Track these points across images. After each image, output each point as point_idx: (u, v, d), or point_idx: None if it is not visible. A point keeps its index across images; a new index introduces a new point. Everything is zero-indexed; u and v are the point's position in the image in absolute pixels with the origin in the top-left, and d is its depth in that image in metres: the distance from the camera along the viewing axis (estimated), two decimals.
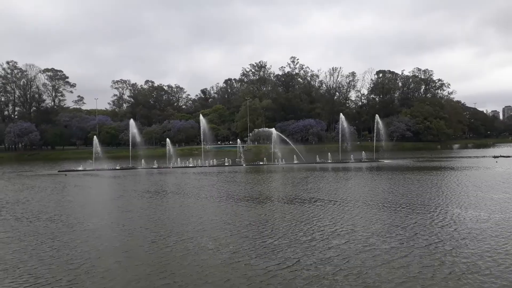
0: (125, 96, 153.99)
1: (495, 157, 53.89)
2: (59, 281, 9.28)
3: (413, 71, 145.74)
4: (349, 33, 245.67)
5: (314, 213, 16.54)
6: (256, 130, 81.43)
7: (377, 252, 10.71)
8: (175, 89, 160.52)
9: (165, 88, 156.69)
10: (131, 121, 61.46)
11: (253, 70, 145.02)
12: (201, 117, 71.76)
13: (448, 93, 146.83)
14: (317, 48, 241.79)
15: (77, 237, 13.42)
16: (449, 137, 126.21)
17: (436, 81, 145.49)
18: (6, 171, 51.20)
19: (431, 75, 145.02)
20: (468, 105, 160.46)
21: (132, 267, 10.09)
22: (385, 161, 52.46)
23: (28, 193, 26.37)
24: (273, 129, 65.02)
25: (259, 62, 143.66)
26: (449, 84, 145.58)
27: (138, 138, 59.34)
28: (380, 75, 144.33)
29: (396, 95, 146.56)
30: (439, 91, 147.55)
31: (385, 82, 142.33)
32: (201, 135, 65.14)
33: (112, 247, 12.09)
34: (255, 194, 23.09)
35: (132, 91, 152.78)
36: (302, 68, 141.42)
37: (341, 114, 66.66)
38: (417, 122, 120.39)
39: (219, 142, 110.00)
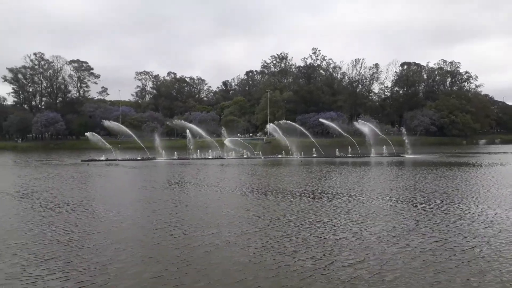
0: (148, 88, 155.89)
1: None
2: (84, 271, 9.23)
3: (439, 63, 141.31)
4: (376, 23, 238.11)
5: (340, 208, 16.05)
6: (269, 125, 77.97)
7: (413, 254, 10.19)
8: (197, 81, 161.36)
9: (187, 80, 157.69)
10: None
11: (274, 62, 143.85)
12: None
13: (476, 86, 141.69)
14: (343, 38, 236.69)
15: (101, 228, 13.42)
16: (475, 132, 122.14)
17: (463, 73, 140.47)
18: (34, 160, 52.60)
19: (458, 67, 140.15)
20: (496, 98, 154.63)
21: (155, 263, 9.90)
22: (408, 155, 51.14)
23: (52, 182, 26.83)
24: (281, 122, 64.31)
25: (281, 53, 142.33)
26: (476, 77, 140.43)
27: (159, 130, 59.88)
28: (405, 67, 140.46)
29: (420, 87, 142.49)
30: (466, 84, 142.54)
31: (409, 74, 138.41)
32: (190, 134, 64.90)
33: (136, 241, 11.92)
34: (278, 188, 22.69)
35: (154, 82, 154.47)
36: (324, 60, 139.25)
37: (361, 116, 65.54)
38: (442, 116, 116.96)
39: (238, 135, 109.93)
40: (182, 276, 8.91)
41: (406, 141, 57.39)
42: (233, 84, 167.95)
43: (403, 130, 65.26)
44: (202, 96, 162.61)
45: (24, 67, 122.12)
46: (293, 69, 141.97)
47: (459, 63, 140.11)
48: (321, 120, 67.92)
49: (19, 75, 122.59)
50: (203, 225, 13.61)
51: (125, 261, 9.99)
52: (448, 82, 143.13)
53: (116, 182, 28.45)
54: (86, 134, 57.44)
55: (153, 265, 9.69)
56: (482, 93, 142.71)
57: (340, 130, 64.37)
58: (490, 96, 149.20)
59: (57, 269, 9.49)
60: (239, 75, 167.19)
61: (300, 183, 25.00)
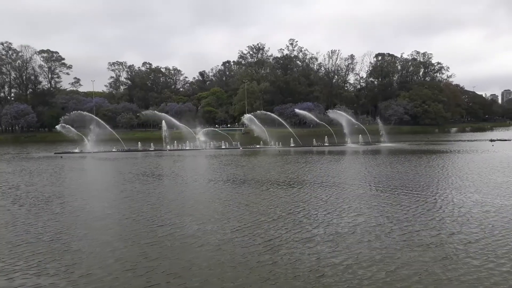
0: (122, 78, 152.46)
1: (491, 140, 54.00)
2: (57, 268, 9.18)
3: (412, 54, 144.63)
4: (357, 15, 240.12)
5: (328, 199, 16.40)
6: (246, 115, 75.45)
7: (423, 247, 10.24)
8: (173, 72, 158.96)
9: (163, 70, 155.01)
10: None
11: (251, 53, 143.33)
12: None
13: (447, 77, 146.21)
14: (324, 29, 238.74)
15: (78, 224, 13.30)
16: (447, 121, 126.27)
17: (435, 64, 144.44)
18: (3, 153, 50.84)
19: (430, 58, 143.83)
20: (467, 88, 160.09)
21: (148, 268, 9.81)
22: (382, 144, 52.37)
23: (27, 177, 26.13)
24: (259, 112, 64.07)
25: (257, 44, 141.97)
26: (448, 68, 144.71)
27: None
28: (379, 58, 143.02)
29: (395, 78, 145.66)
30: (438, 74, 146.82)
31: (384, 65, 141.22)
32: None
33: (127, 240, 11.37)
34: (262, 179, 22.82)
35: (129, 73, 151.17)
36: (301, 51, 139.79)
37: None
38: (415, 105, 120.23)
39: (216, 126, 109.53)
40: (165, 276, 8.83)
41: (381, 131, 58.66)
42: (210, 74, 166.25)
43: (378, 120, 66.62)
44: (178, 87, 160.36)
45: None
46: (270, 60, 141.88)
47: (431, 54, 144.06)
48: (296, 110, 67.87)
49: None
50: (192, 219, 13.31)
51: (103, 257, 9.91)
52: (421, 73, 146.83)
53: (91, 175, 27.98)
54: (56, 127, 55.72)
55: (148, 269, 9.52)
56: (454, 83, 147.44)
57: (316, 119, 65.02)
58: (461, 86, 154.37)
59: (35, 274, 9.36)
60: (217, 65, 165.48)
61: (280, 173, 25.26)
